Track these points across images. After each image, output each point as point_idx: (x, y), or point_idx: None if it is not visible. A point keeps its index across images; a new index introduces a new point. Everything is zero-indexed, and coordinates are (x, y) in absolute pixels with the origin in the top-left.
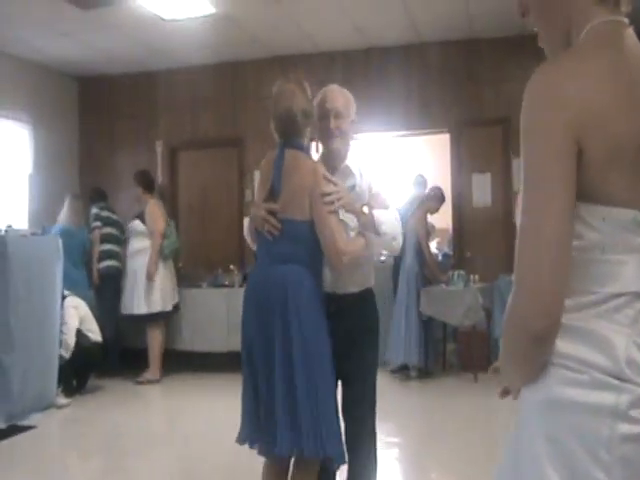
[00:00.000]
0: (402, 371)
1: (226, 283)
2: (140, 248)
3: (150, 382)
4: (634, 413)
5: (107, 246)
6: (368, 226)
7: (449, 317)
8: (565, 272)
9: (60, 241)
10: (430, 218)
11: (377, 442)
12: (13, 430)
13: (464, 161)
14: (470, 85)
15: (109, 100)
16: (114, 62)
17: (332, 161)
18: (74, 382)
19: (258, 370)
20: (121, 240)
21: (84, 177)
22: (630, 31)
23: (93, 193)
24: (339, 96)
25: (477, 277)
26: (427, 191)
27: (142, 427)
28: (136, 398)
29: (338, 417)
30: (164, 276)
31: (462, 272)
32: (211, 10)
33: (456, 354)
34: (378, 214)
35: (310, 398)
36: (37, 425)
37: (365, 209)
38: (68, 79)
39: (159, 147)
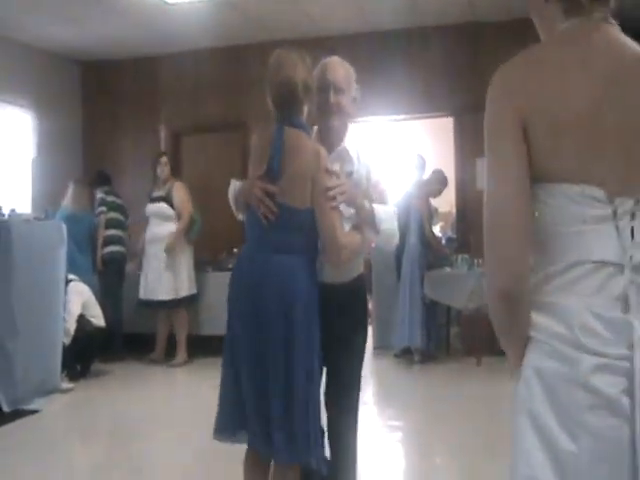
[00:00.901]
0: (405, 355)
1: (230, 267)
2: (165, 233)
3: (180, 365)
4: (594, 382)
5: (111, 231)
6: (368, 221)
7: (453, 301)
8: (526, 240)
9: (64, 226)
10: (433, 202)
11: (358, 433)
12: (17, 414)
13: (467, 145)
14: (473, 69)
15: (112, 85)
16: (117, 46)
17: (329, 140)
18: (78, 367)
19: (240, 360)
20: (125, 225)
21: (87, 161)
22: (602, 28)
23: (97, 176)
24: (340, 68)
25: (481, 260)
26: (430, 174)
27: (147, 411)
28: (140, 382)
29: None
30: (189, 260)
31: (466, 256)
32: None
33: (460, 338)
34: (378, 210)
35: (301, 403)
36: (41, 409)
37: (366, 203)
38: (71, 64)
39: (162, 132)
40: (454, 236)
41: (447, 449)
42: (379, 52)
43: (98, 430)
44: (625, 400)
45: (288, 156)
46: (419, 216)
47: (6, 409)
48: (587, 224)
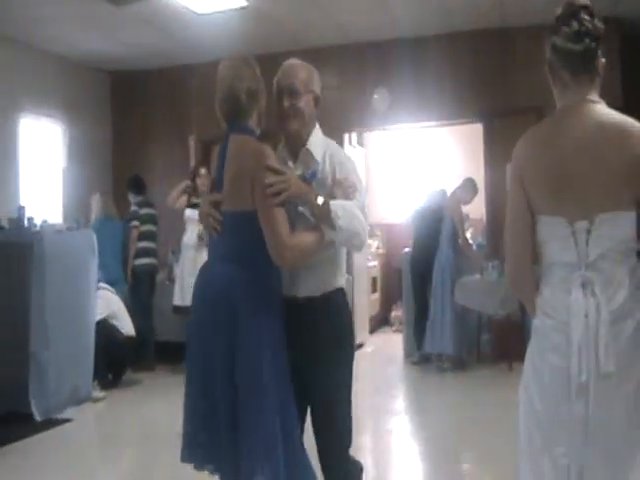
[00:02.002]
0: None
1: None
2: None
3: None
4: (551, 335)
5: (144, 243)
6: (322, 219)
7: (484, 307)
8: (524, 250)
9: (95, 236)
10: (464, 208)
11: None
12: (49, 423)
13: (497, 150)
14: (503, 74)
15: (142, 94)
16: (147, 56)
17: (291, 144)
18: (110, 376)
19: (191, 376)
20: (157, 236)
21: (117, 171)
22: (582, 107)
23: (133, 182)
24: (296, 71)
25: None
26: (461, 182)
27: (178, 420)
28: (172, 392)
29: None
30: None
31: (496, 262)
32: (242, 3)
33: (490, 344)
34: (336, 206)
35: (249, 419)
36: (73, 419)
37: (320, 199)
38: (101, 74)
39: (192, 141)
40: (484, 242)
41: (478, 455)
42: (408, 59)
43: (129, 439)
44: (564, 345)
45: (230, 162)
46: (451, 223)
47: (39, 418)
48: (557, 240)
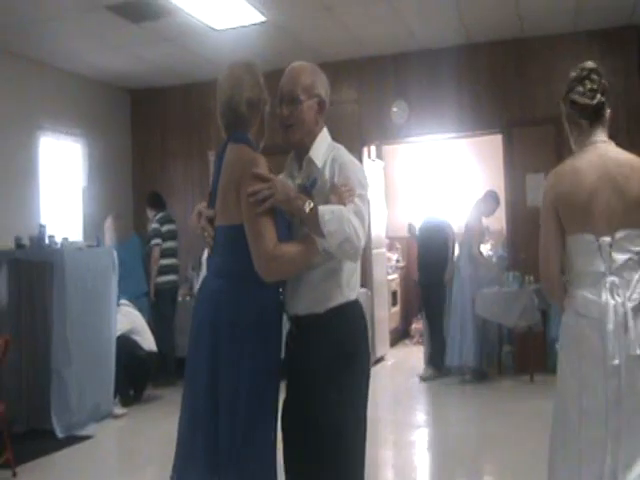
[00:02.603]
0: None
1: None
2: None
3: None
4: (584, 329)
5: (167, 260)
6: (311, 226)
7: (504, 319)
8: (556, 265)
9: (115, 253)
10: (485, 220)
11: None
12: (71, 440)
13: (517, 161)
14: (521, 84)
15: (161, 111)
16: (166, 73)
17: (297, 155)
18: (131, 392)
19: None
20: (177, 251)
21: (137, 188)
22: (599, 147)
23: (151, 199)
24: (299, 75)
25: (532, 278)
26: (483, 195)
27: None
28: None
29: None
30: None
31: (517, 273)
32: (261, 18)
33: (512, 355)
34: (324, 211)
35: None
36: (94, 435)
37: (307, 205)
38: (120, 92)
39: (211, 157)
40: (505, 254)
41: (501, 469)
42: (427, 71)
43: (150, 455)
44: (597, 337)
45: (223, 173)
46: (470, 236)
47: (60, 435)
48: (587, 254)
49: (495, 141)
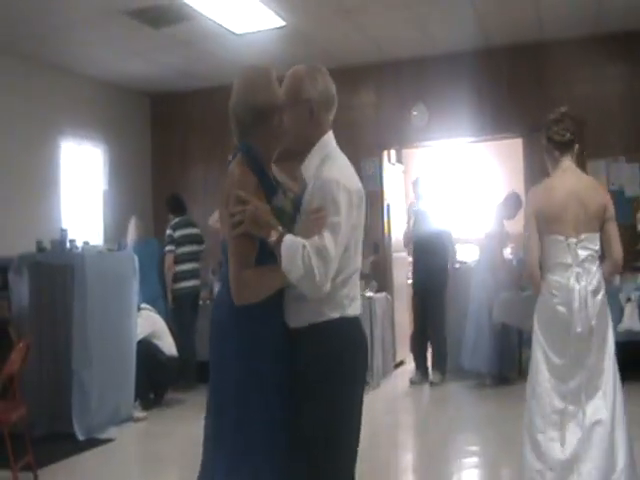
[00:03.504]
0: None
1: None
2: None
3: None
4: (557, 307)
5: (184, 266)
6: (276, 255)
7: (524, 323)
8: (536, 259)
9: (136, 257)
10: (506, 223)
11: None
12: (91, 443)
13: (537, 165)
14: (541, 88)
15: (181, 116)
16: (185, 78)
17: (293, 167)
18: (151, 396)
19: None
20: (199, 255)
21: (157, 192)
22: (568, 169)
23: (169, 202)
24: (284, 84)
25: None
26: (505, 197)
27: None
28: None
29: None
30: None
31: None
32: (281, 23)
33: None
34: (284, 244)
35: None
36: (115, 438)
37: (272, 235)
38: (140, 96)
39: None
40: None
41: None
42: (446, 75)
43: (171, 459)
44: (565, 311)
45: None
46: (492, 242)
47: (81, 437)
48: (558, 250)
49: (515, 145)
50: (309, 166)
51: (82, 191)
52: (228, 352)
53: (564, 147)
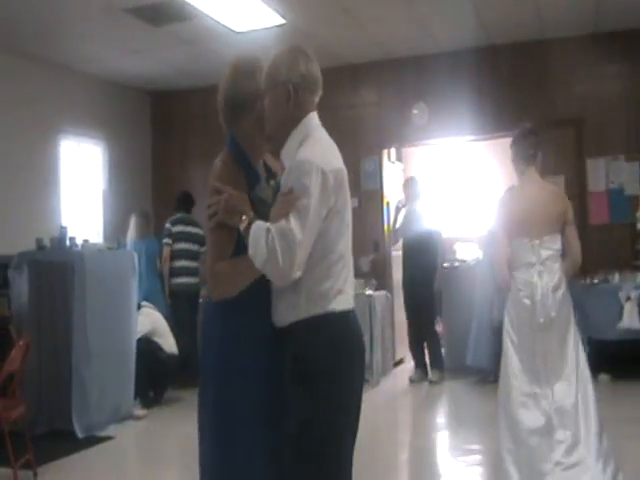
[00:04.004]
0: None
1: None
2: None
3: None
4: (523, 300)
5: (180, 262)
6: (245, 242)
7: None
8: (504, 258)
9: (135, 255)
10: None
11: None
12: (91, 441)
13: (537, 164)
14: (541, 87)
15: (181, 114)
16: (186, 76)
17: (278, 157)
18: (151, 394)
19: None
20: (197, 255)
21: (157, 191)
22: (534, 178)
23: (179, 198)
24: (263, 68)
25: None
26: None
27: None
28: None
29: None
30: None
31: None
32: (280, 21)
33: None
34: (253, 230)
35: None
36: (114, 436)
37: (242, 223)
38: (140, 95)
39: None
40: None
41: None
42: (447, 73)
43: (171, 457)
44: (530, 303)
45: None
46: (493, 237)
47: (81, 435)
48: (523, 251)
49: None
50: (289, 150)
51: (82, 189)
52: (213, 350)
53: (530, 159)
